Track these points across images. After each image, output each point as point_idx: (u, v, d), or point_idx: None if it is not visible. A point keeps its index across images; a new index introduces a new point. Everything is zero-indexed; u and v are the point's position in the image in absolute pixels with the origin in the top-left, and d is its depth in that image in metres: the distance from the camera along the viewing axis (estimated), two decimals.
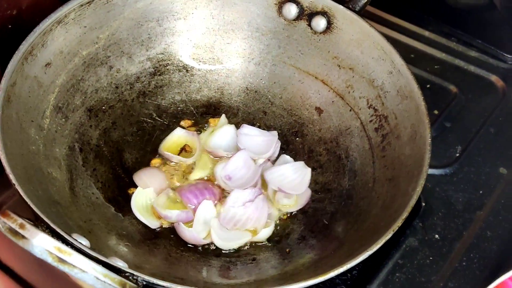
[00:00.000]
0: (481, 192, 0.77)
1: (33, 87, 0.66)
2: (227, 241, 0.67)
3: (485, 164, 0.80)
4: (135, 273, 0.51)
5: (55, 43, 0.69)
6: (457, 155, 0.81)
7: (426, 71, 0.91)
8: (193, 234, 0.66)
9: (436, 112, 0.85)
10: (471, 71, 0.91)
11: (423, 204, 0.76)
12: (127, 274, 0.51)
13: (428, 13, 0.99)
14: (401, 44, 0.95)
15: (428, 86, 0.89)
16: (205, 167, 0.72)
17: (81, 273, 0.46)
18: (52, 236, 0.51)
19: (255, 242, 0.68)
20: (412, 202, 0.59)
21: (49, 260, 0.46)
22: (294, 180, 0.71)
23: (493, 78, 0.90)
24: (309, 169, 0.72)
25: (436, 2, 1.01)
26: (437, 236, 0.73)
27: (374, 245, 0.56)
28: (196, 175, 0.72)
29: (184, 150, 0.74)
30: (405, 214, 0.58)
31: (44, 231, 0.49)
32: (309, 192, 0.71)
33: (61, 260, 0.46)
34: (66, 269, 0.46)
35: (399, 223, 0.57)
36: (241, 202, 0.68)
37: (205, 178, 0.72)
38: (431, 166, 0.77)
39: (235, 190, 0.69)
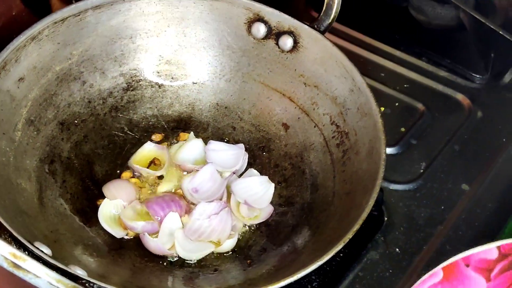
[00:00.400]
0: (442, 207, 0.79)
1: (5, 100, 0.68)
2: (191, 252, 0.69)
3: (448, 180, 0.82)
4: (92, 280, 0.54)
5: (28, 58, 0.71)
6: (421, 171, 0.83)
7: (395, 90, 0.93)
8: (158, 245, 0.68)
9: (403, 129, 0.88)
10: (439, 90, 0.94)
11: (386, 218, 0.78)
12: (83, 281, 0.53)
13: (400, 34, 1.02)
14: (373, 64, 0.98)
15: (396, 104, 0.92)
16: (172, 180, 0.75)
17: (35, 278, 0.48)
18: (14, 243, 0.54)
19: (218, 253, 0.70)
20: (364, 214, 0.61)
21: (5, 265, 0.48)
22: (258, 193, 0.73)
23: (460, 97, 0.93)
24: (273, 184, 0.74)
25: (409, 23, 1.04)
26: (397, 249, 0.75)
27: (325, 255, 0.58)
28: (163, 187, 0.74)
29: (153, 163, 0.76)
30: (356, 227, 0.60)
31: (5, 239, 0.51)
32: (271, 208, 0.73)
33: (16, 266, 0.48)
34: (20, 274, 0.48)
35: (349, 235, 0.59)
36: (207, 214, 0.70)
37: (172, 191, 0.74)
38: (395, 182, 0.81)
39: (202, 203, 0.71)
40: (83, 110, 0.77)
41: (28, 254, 0.50)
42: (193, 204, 0.73)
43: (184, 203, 0.73)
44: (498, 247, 0.63)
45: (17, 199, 0.65)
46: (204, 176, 0.73)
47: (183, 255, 0.69)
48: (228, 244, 0.70)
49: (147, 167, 0.76)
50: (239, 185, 0.74)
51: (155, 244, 0.68)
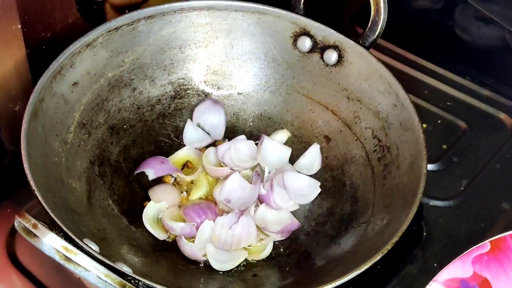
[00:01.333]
0: (482, 225, 0.79)
1: (59, 103, 0.71)
2: (224, 263, 0.70)
3: (488, 198, 0.82)
4: (138, 277, 0.56)
5: (83, 64, 0.74)
6: (462, 188, 0.83)
7: (438, 107, 0.94)
8: (192, 250, 0.70)
9: (444, 146, 0.88)
10: (482, 109, 0.94)
11: (425, 234, 0.78)
12: (129, 278, 0.56)
13: (445, 52, 1.02)
14: (417, 81, 0.99)
15: (439, 121, 0.92)
16: (203, 186, 0.76)
17: (84, 271, 0.51)
18: (64, 238, 0.56)
19: (256, 260, 0.71)
20: (403, 227, 0.62)
21: (57, 258, 0.50)
22: (304, 191, 0.76)
23: (503, 116, 0.93)
24: (319, 189, 0.76)
25: (454, 42, 1.04)
26: (435, 265, 0.75)
27: (362, 265, 0.59)
28: (195, 194, 0.76)
29: (186, 166, 0.78)
30: (395, 239, 0.61)
31: (57, 234, 0.53)
32: (297, 223, 0.75)
33: (67, 259, 0.50)
34: (71, 267, 0.50)
35: (388, 246, 0.60)
36: (227, 226, 0.71)
37: (203, 197, 0.76)
38: (435, 198, 0.81)
39: (218, 217, 0.72)
40: (132, 116, 0.80)
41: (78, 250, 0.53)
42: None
43: (220, 210, 0.74)
44: None
45: (68, 197, 0.68)
46: (232, 185, 0.74)
47: (217, 267, 0.70)
48: (264, 253, 0.72)
49: (181, 169, 0.78)
50: (290, 177, 0.76)
51: (190, 249, 0.70)
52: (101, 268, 0.51)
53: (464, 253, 0.66)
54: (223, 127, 0.83)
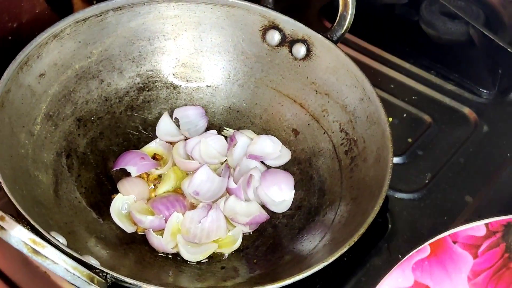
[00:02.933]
0: (445, 218, 0.81)
1: (26, 95, 0.71)
2: (195, 254, 0.70)
3: (452, 191, 0.84)
4: (106, 270, 0.56)
5: (50, 55, 0.73)
6: (426, 181, 0.85)
7: (404, 101, 0.95)
8: (161, 243, 0.70)
9: (410, 140, 0.90)
10: (446, 103, 0.96)
11: (390, 226, 0.80)
12: (97, 271, 0.56)
13: (411, 47, 1.04)
14: (383, 75, 1.00)
15: (404, 115, 0.93)
16: (171, 180, 0.76)
17: (52, 264, 0.51)
18: (31, 231, 0.56)
19: (225, 252, 0.72)
20: (370, 219, 0.63)
21: (24, 250, 0.50)
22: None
23: (467, 110, 0.94)
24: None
25: (420, 37, 1.06)
26: (400, 256, 0.76)
27: (329, 257, 0.60)
28: (163, 187, 0.76)
29: (154, 159, 0.78)
30: (361, 230, 0.62)
31: (24, 226, 0.53)
32: (264, 216, 0.75)
33: (35, 251, 0.50)
34: (39, 260, 0.50)
35: (355, 238, 0.61)
36: (196, 220, 0.71)
37: (172, 190, 0.76)
38: (400, 191, 0.82)
39: (187, 212, 0.72)
40: (100, 108, 0.80)
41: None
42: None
43: (188, 202, 0.75)
44: (486, 224, 0.65)
45: (34, 190, 0.67)
46: (201, 178, 0.74)
47: (187, 257, 0.70)
48: (234, 246, 0.72)
49: None
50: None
51: (158, 242, 0.70)
52: (69, 261, 0.51)
53: (404, 259, 0.65)
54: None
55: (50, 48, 0.73)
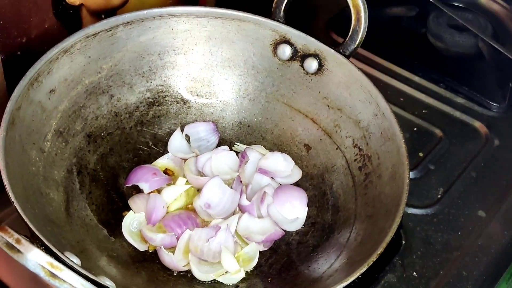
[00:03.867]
0: (459, 233, 0.80)
1: (36, 111, 0.70)
2: (206, 273, 0.69)
3: (464, 206, 0.83)
4: None
5: (60, 71, 0.73)
6: (439, 196, 0.84)
7: (414, 115, 0.95)
8: (172, 261, 0.69)
9: (421, 154, 0.89)
10: (456, 117, 0.95)
11: (403, 242, 0.79)
12: None
13: (419, 60, 1.03)
14: (392, 88, 0.99)
15: (415, 129, 0.93)
16: (181, 197, 0.75)
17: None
18: (46, 252, 0.55)
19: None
20: (388, 238, 0.62)
21: (42, 274, 0.49)
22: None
23: (477, 124, 0.94)
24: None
25: (428, 50, 1.06)
26: (415, 273, 0.76)
27: (348, 277, 0.59)
28: (174, 205, 0.75)
29: (166, 174, 0.77)
30: (380, 250, 0.61)
31: (38, 247, 0.52)
32: (279, 233, 0.74)
33: (53, 275, 0.49)
34: (56, 284, 0.49)
35: (374, 258, 0.60)
36: (204, 239, 0.70)
37: (183, 207, 0.75)
38: (413, 206, 0.82)
39: (195, 229, 0.71)
40: (110, 123, 0.79)
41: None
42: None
43: (200, 220, 0.74)
44: None
45: (46, 208, 0.66)
46: (212, 188, 0.74)
47: (198, 276, 0.69)
48: (250, 264, 0.71)
49: None
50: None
51: (170, 260, 0.69)
52: (88, 285, 0.50)
53: None
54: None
55: (60, 63, 0.73)
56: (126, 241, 0.71)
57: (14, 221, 0.73)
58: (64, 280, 0.49)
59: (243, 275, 0.69)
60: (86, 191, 0.73)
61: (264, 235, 0.71)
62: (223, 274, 0.69)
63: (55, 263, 0.49)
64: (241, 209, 0.75)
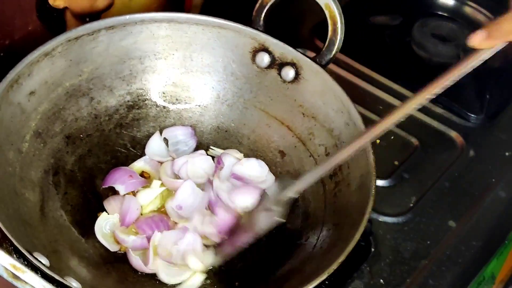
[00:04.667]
0: (428, 242, 0.82)
1: (16, 113, 0.71)
2: (172, 276, 0.71)
3: (436, 216, 0.84)
4: None
5: (40, 73, 0.74)
6: (411, 205, 0.85)
7: None
8: (139, 263, 0.70)
9: (396, 163, 0.90)
10: (434, 127, 0.96)
11: (373, 249, 0.80)
12: None
13: (400, 68, 1.04)
14: (371, 95, 1.00)
15: (392, 137, 0.94)
16: (155, 199, 0.77)
17: None
18: (14, 252, 0.57)
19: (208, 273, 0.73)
20: (350, 247, 0.63)
21: (5, 275, 0.51)
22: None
23: (454, 134, 0.95)
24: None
25: (410, 59, 1.07)
26: (382, 281, 0.77)
27: (309, 284, 0.61)
28: (148, 207, 0.76)
29: (142, 177, 0.79)
30: (341, 258, 0.62)
31: (6, 248, 0.54)
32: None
33: (15, 276, 0.51)
34: (19, 285, 0.51)
35: (334, 266, 0.62)
36: (172, 242, 0.72)
37: (156, 209, 0.77)
38: (384, 214, 0.83)
39: (164, 232, 0.73)
40: (89, 125, 0.80)
41: (27, 265, 0.53)
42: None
43: (171, 222, 0.75)
44: None
45: (20, 209, 0.68)
46: (185, 192, 0.76)
47: (166, 280, 0.71)
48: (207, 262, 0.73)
49: None
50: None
51: (137, 262, 0.71)
52: (49, 286, 0.52)
53: None
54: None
55: (41, 66, 0.74)
56: (98, 241, 0.73)
57: None
58: (26, 282, 0.51)
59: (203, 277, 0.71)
60: (62, 191, 0.75)
61: (217, 227, 0.73)
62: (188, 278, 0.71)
63: (18, 265, 0.51)
64: (210, 209, 0.77)
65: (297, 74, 0.81)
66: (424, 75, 1.02)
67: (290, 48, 0.80)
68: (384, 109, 0.98)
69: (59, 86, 0.77)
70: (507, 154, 0.93)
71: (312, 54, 0.80)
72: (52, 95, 0.76)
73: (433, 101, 0.99)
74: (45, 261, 0.59)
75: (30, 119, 0.74)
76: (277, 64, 0.82)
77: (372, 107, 0.96)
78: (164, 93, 0.85)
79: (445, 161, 0.92)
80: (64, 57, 0.77)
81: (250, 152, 0.84)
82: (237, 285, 0.72)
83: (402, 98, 0.99)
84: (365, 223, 0.66)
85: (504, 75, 1.03)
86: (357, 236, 0.65)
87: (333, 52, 0.79)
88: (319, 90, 0.79)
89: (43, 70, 0.75)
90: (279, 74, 0.82)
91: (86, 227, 0.74)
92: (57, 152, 0.76)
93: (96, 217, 0.75)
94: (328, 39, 0.79)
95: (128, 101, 0.83)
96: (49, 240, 0.69)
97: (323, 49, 0.79)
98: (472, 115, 0.98)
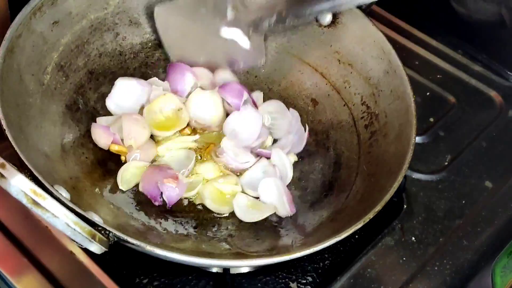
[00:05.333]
0: (463, 202, 0.78)
1: (38, 42, 0.68)
2: (251, 214, 0.69)
3: (471, 175, 0.81)
4: (108, 228, 0.53)
5: (65, 3, 0.71)
6: (446, 163, 0.82)
7: (428, 79, 0.92)
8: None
9: (431, 120, 0.86)
10: (472, 85, 0.92)
11: (405, 206, 0.77)
12: (100, 228, 0.53)
13: (439, 24, 1.00)
14: (408, 50, 0.96)
15: (427, 94, 0.90)
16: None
17: (52, 217, 0.48)
18: (33, 182, 0.53)
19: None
20: (388, 197, 0.60)
21: (24, 201, 0.47)
22: None
23: (493, 93, 0.91)
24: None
25: (449, 15, 1.02)
26: (413, 238, 0.74)
27: (343, 232, 0.57)
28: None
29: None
30: (378, 208, 0.59)
31: (26, 176, 0.50)
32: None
33: (35, 203, 0.48)
34: (39, 212, 0.48)
35: (371, 215, 0.58)
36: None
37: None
38: (418, 171, 0.79)
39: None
40: (114, 62, 0.77)
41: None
42: None
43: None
44: None
45: (41, 142, 0.65)
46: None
47: (243, 218, 0.69)
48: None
49: None
50: None
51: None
52: (71, 215, 0.49)
53: None
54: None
55: None
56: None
57: (10, 158, 0.72)
58: (46, 209, 0.48)
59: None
60: (83, 129, 0.72)
61: None
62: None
63: (39, 191, 0.48)
64: None
65: (335, 18, 0.77)
66: (463, 31, 0.99)
67: None
68: (421, 65, 0.94)
69: (83, 18, 0.73)
70: None
71: None
72: (76, 27, 0.73)
73: (472, 58, 0.95)
74: (65, 194, 0.56)
75: (52, 50, 0.70)
76: None
77: (409, 63, 0.92)
78: None
79: (483, 121, 0.88)
80: None
81: (281, 99, 0.79)
82: (265, 234, 0.68)
83: (441, 55, 0.95)
84: (404, 173, 0.62)
85: None
86: (396, 186, 0.61)
87: None
88: (358, 36, 0.75)
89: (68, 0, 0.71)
90: (316, 17, 0.78)
91: (108, 167, 0.70)
92: (79, 87, 0.73)
93: (118, 156, 0.71)
94: None
95: (155, 39, 0.80)
96: (69, 176, 0.65)
97: None
98: None
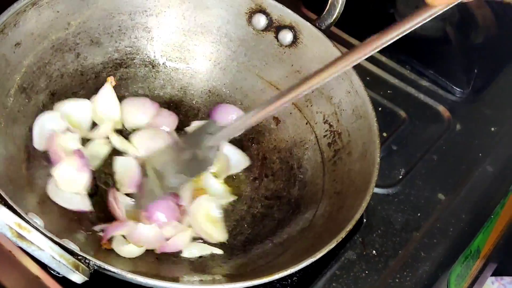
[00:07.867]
0: (419, 214, 0.81)
1: (0, 64, 0.67)
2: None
3: (425, 188, 0.84)
4: (87, 257, 0.53)
5: (27, 24, 0.69)
6: (400, 177, 0.85)
7: (379, 95, 0.95)
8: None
9: (385, 134, 0.89)
10: (420, 99, 0.96)
11: (365, 220, 0.79)
12: (79, 257, 0.53)
13: None
14: (359, 67, 0.98)
15: (380, 109, 0.93)
16: None
17: (38, 250, 0.48)
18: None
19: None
20: (357, 216, 0.62)
21: (9, 234, 0.47)
22: None
23: (441, 108, 0.95)
24: None
25: None
26: (374, 252, 0.76)
27: (317, 253, 0.59)
28: None
29: None
30: (349, 227, 0.61)
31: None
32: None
33: (20, 236, 0.47)
34: (24, 245, 0.47)
35: (342, 234, 0.60)
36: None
37: None
38: (376, 185, 0.82)
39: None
40: (75, 83, 0.76)
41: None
42: None
43: None
44: None
45: (7, 168, 0.64)
46: None
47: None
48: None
49: None
50: None
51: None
52: (56, 248, 0.48)
53: None
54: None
55: (28, 16, 0.69)
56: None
57: None
58: (32, 243, 0.47)
59: None
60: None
61: None
62: None
63: (23, 224, 0.47)
64: None
65: (296, 38, 0.78)
66: (410, 48, 1.03)
67: (289, 11, 0.78)
68: (372, 81, 0.96)
69: (45, 38, 0.72)
70: (492, 129, 0.93)
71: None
72: (38, 47, 0.72)
73: (420, 74, 0.99)
74: (40, 222, 0.55)
75: (15, 72, 0.69)
76: (275, 27, 0.79)
77: (361, 79, 0.94)
78: (154, 52, 0.81)
79: (433, 134, 0.91)
80: (52, 8, 0.72)
81: None
82: (235, 253, 0.69)
83: (390, 71, 0.98)
84: (372, 191, 0.64)
85: (491, 50, 1.02)
86: (364, 204, 0.63)
87: (334, 16, 0.77)
88: (319, 56, 0.77)
89: (30, 21, 0.70)
90: (276, 37, 0.79)
91: None
92: (42, 109, 0.72)
93: None
94: (329, 3, 0.77)
95: (116, 59, 0.79)
96: (37, 201, 0.64)
97: (324, 13, 0.77)
98: (458, 89, 0.97)
